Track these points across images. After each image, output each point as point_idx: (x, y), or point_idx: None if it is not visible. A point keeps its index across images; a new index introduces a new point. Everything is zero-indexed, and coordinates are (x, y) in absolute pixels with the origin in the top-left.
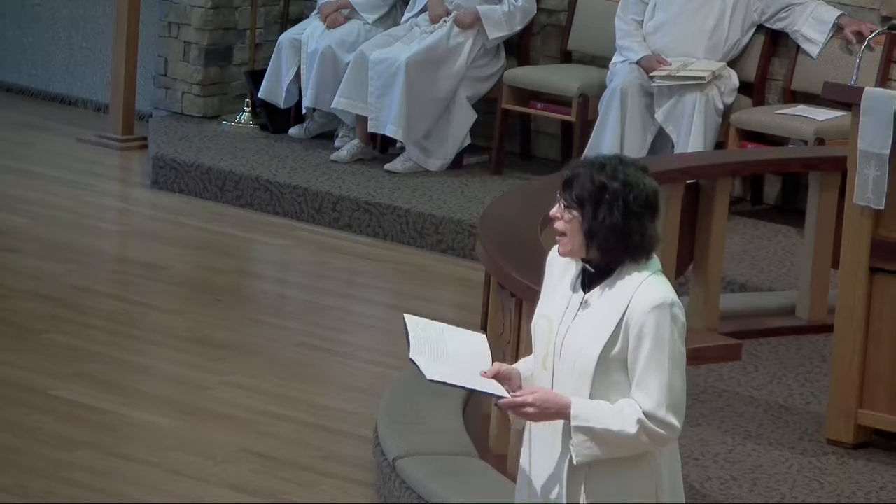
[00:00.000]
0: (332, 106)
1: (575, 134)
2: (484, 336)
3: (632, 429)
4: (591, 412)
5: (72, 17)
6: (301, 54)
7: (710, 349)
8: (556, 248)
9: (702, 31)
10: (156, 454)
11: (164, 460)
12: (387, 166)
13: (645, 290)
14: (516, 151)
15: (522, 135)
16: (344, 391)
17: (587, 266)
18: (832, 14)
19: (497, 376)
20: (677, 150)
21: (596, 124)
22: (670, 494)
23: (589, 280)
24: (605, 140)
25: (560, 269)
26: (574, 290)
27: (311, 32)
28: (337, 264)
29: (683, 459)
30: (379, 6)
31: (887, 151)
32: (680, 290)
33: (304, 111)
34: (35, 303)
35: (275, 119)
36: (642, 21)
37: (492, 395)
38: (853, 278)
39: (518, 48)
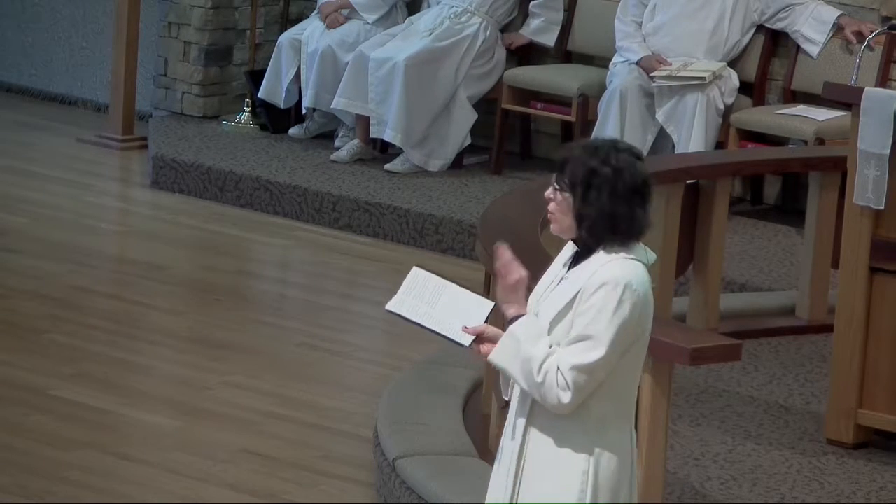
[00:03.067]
0: (331, 106)
1: (575, 134)
2: (491, 304)
3: (540, 376)
4: (532, 334)
5: (72, 17)
6: (301, 54)
7: (710, 349)
8: None
9: (702, 31)
10: (156, 454)
11: (164, 460)
12: (387, 166)
13: (607, 267)
14: (516, 151)
15: (522, 135)
16: (344, 391)
17: (576, 245)
18: (832, 14)
19: (481, 335)
20: (678, 150)
21: (596, 125)
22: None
23: (574, 259)
24: None
25: (566, 258)
26: (559, 269)
27: (311, 32)
28: (337, 264)
29: (683, 459)
30: (379, 6)
31: (887, 151)
32: (680, 290)
33: (304, 111)
34: (35, 303)
35: (275, 119)
36: (642, 22)
37: (450, 339)
38: (853, 278)
39: (518, 48)
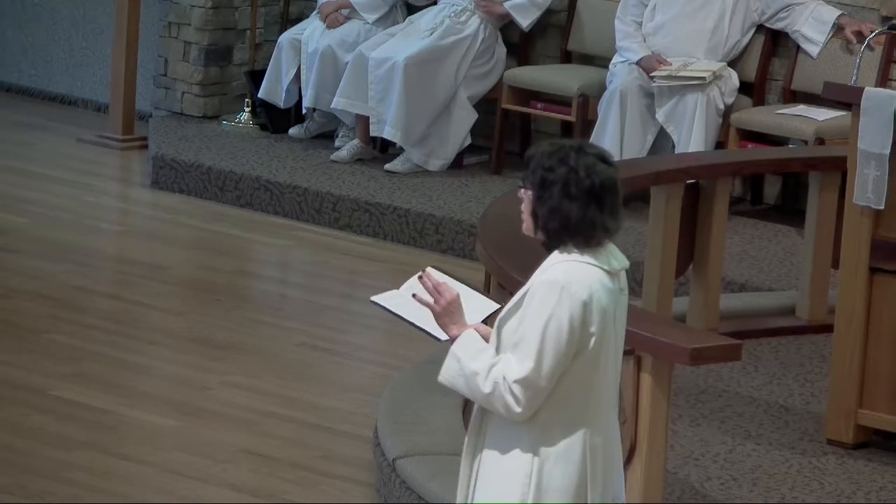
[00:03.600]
0: (331, 106)
1: (575, 134)
2: (496, 306)
3: (487, 387)
4: (471, 350)
5: (72, 17)
6: (301, 54)
7: (710, 349)
8: None
9: (702, 31)
10: (156, 454)
11: (164, 460)
12: (387, 166)
13: (554, 268)
14: (516, 151)
15: (522, 135)
16: (344, 391)
17: (544, 247)
18: (832, 14)
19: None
20: (678, 150)
21: (596, 126)
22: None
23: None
24: (605, 141)
25: None
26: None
27: (311, 32)
28: (337, 264)
29: (683, 459)
30: (379, 6)
31: (887, 151)
32: (680, 290)
33: (304, 111)
34: (35, 303)
35: (275, 119)
36: (642, 22)
37: (425, 331)
38: (853, 278)
39: (518, 48)
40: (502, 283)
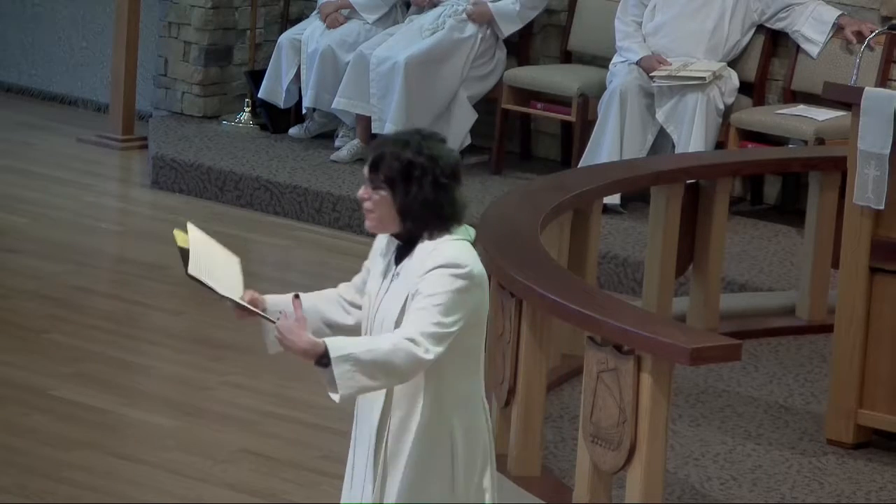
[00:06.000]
0: (332, 106)
1: (575, 134)
2: (237, 259)
3: (386, 345)
4: (348, 342)
5: (72, 17)
6: (301, 54)
7: (710, 349)
8: (382, 234)
9: (702, 31)
10: (156, 454)
11: (164, 460)
12: None
13: (435, 252)
14: (516, 151)
15: (522, 135)
16: None
17: (398, 239)
18: (832, 14)
19: (251, 301)
20: (678, 150)
21: (596, 125)
22: (466, 467)
23: (399, 254)
24: (605, 141)
25: (383, 250)
26: (389, 265)
27: (311, 32)
28: (337, 264)
29: (683, 459)
30: (379, 6)
31: (887, 151)
32: (680, 290)
33: (304, 111)
34: (35, 303)
35: (275, 119)
36: (642, 22)
37: (238, 306)
38: (853, 278)
39: (518, 48)
40: (502, 283)
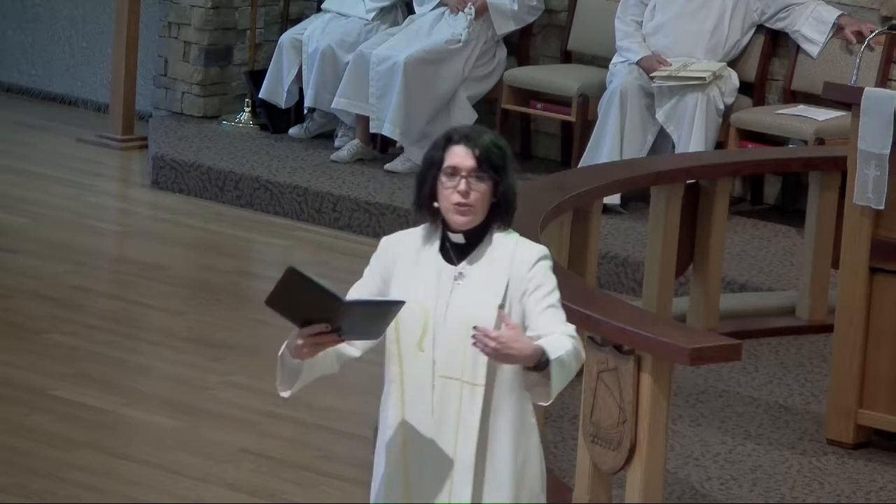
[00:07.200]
0: (332, 106)
1: (575, 134)
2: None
3: (568, 344)
4: (550, 346)
5: (72, 17)
6: (302, 54)
7: (710, 349)
8: (394, 236)
9: (702, 31)
10: (156, 454)
11: (164, 460)
12: (387, 166)
13: (523, 248)
14: (516, 151)
15: (522, 135)
16: (344, 391)
17: (452, 239)
18: (832, 14)
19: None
20: (678, 150)
21: (596, 126)
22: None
23: (457, 252)
24: (605, 141)
25: (412, 252)
26: (441, 266)
27: (311, 32)
28: (337, 264)
29: (683, 459)
30: None
31: (887, 151)
32: (680, 290)
33: (304, 111)
34: (35, 303)
35: (275, 119)
36: (642, 22)
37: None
38: (853, 278)
39: (518, 48)
40: None
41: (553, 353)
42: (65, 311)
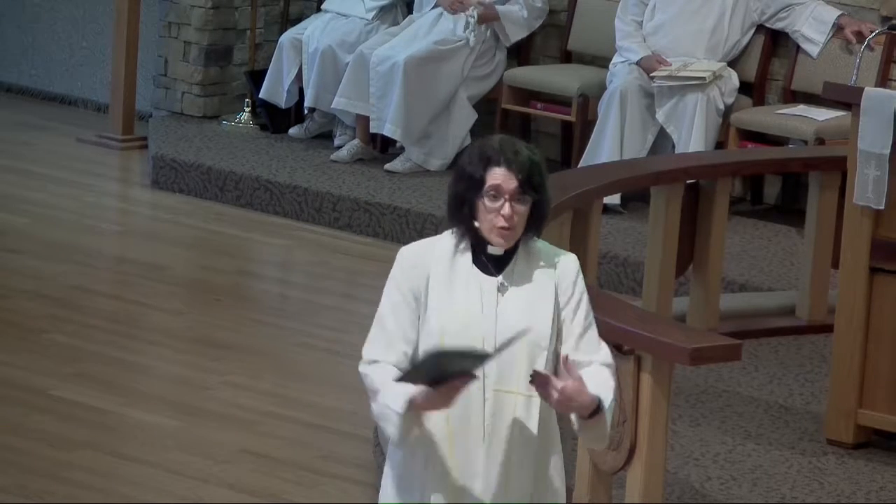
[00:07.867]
0: (332, 106)
1: (575, 134)
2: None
3: (612, 381)
4: (601, 389)
5: (72, 17)
6: (302, 54)
7: (710, 349)
8: (416, 248)
9: (702, 31)
10: (156, 454)
11: (164, 460)
12: (387, 166)
13: (562, 258)
14: None
15: (522, 135)
16: (344, 391)
17: (490, 251)
18: (832, 14)
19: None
20: (678, 150)
21: (596, 126)
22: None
23: (495, 264)
24: (605, 141)
25: (444, 263)
26: (479, 278)
27: (311, 32)
28: (337, 264)
29: (683, 459)
30: None
31: (887, 151)
32: (680, 290)
33: (304, 111)
34: (35, 303)
35: (275, 119)
36: (642, 22)
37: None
38: (853, 278)
39: (518, 48)
40: None
41: (606, 399)
42: (65, 311)
